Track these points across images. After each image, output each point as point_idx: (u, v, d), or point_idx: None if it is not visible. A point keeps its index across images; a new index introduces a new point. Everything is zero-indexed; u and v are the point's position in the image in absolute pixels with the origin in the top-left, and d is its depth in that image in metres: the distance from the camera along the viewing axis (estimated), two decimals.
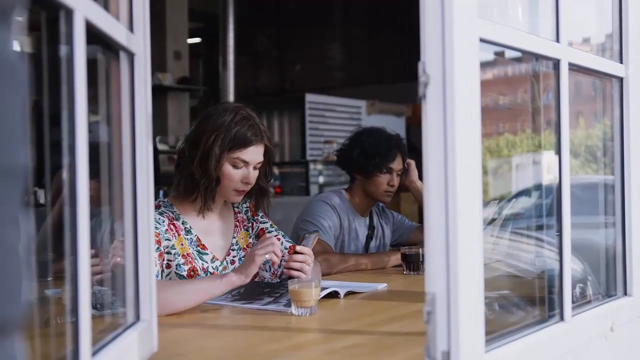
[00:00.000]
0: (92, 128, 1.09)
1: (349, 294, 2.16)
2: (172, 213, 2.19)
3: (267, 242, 1.98)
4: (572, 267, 1.55)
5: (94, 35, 1.11)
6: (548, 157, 1.87)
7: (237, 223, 2.36)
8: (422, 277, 2.53)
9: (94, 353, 1.08)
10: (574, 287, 1.62)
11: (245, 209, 2.40)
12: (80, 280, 1.00)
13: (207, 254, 2.22)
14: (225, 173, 2.17)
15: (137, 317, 1.36)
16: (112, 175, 1.36)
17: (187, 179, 2.18)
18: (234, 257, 2.30)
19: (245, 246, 2.34)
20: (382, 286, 2.32)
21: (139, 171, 1.36)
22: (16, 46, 0.59)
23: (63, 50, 1.01)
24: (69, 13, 0.99)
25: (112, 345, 1.19)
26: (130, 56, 1.34)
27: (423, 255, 2.61)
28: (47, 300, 1.39)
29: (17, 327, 0.58)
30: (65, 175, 1.00)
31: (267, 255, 1.94)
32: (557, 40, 1.50)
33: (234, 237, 2.33)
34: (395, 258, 2.79)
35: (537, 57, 1.54)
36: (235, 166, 2.17)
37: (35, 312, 1.11)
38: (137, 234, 1.36)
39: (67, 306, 1.35)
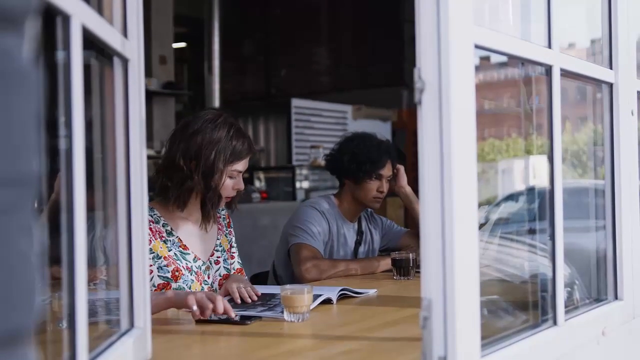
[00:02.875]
0: (85, 133, 1.08)
1: (342, 297, 2.16)
2: (152, 216, 2.21)
3: (209, 300, 1.83)
4: None
5: (88, 41, 1.11)
6: (534, 162, 1.88)
7: (220, 226, 2.44)
8: (412, 282, 2.56)
9: None
10: None
11: (223, 217, 2.48)
12: (77, 287, 0.99)
13: (189, 253, 2.27)
14: (224, 185, 2.26)
15: (132, 325, 1.35)
16: (105, 182, 1.35)
17: (186, 193, 2.23)
18: (218, 257, 2.38)
19: (226, 249, 2.43)
20: (372, 292, 2.32)
21: (133, 177, 1.35)
22: (29, 54, 0.59)
23: (59, 55, 1.01)
24: (66, 19, 0.99)
25: (107, 352, 1.18)
26: (125, 62, 1.33)
27: (413, 260, 2.63)
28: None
29: (30, 335, 0.57)
30: (62, 181, 1.00)
31: (194, 307, 1.80)
32: (549, 46, 1.51)
33: (217, 239, 2.40)
34: (385, 263, 2.80)
35: (530, 63, 1.56)
36: (231, 177, 2.27)
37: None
38: (131, 241, 1.35)
39: (58, 313, 1.35)
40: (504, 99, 2.10)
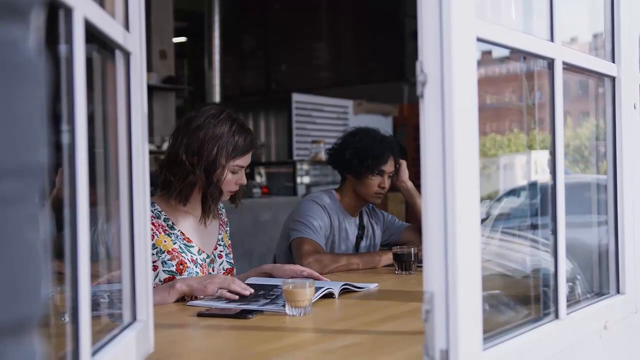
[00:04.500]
0: (87, 127, 1.08)
1: (344, 292, 2.16)
2: (152, 211, 2.22)
3: (228, 281, 2.08)
4: None
5: (90, 34, 1.10)
6: (536, 157, 1.88)
7: (221, 222, 2.47)
8: (414, 276, 2.56)
9: (93, 353, 1.07)
10: None
11: (223, 213, 2.51)
12: (80, 281, 0.99)
13: (193, 246, 2.30)
14: (225, 180, 2.27)
15: (134, 318, 1.35)
16: (108, 176, 1.35)
17: (188, 187, 2.25)
18: (220, 251, 2.41)
19: (227, 245, 2.46)
20: (374, 286, 2.33)
21: (135, 171, 1.35)
22: (35, 44, 0.59)
23: (62, 48, 1.01)
24: (69, 12, 0.99)
25: (110, 345, 1.18)
26: (127, 55, 1.33)
27: (415, 254, 2.63)
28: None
29: (36, 325, 0.58)
30: (65, 175, 1.00)
31: (218, 292, 2.05)
32: (552, 39, 1.51)
33: (219, 234, 2.43)
34: (387, 257, 2.80)
35: (532, 56, 1.55)
36: (233, 172, 2.29)
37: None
38: (134, 234, 1.35)
39: (60, 307, 1.35)
40: (506, 94, 2.10)
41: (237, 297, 2.02)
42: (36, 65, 0.59)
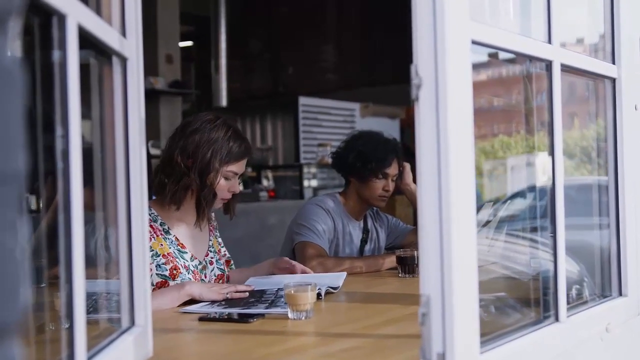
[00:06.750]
0: (84, 133, 1.09)
1: (328, 293, 2.20)
2: (150, 215, 2.23)
3: (232, 287, 2.17)
4: (568, 268, 1.56)
5: (86, 40, 1.11)
6: (542, 159, 1.87)
7: (211, 228, 2.48)
8: (417, 279, 2.54)
9: (90, 358, 1.08)
10: (570, 289, 1.62)
11: (212, 219, 2.53)
12: (75, 286, 1.00)
13: (187, 252, 2.31)
14: (219, 185, 2.29)
15: (132, 322, 1.35)
16: (106, 181, 1.36)
17: (182, 190, 2.26)
18: (211, 258, 2.42)
19: (217, 251, 2.47)
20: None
21: (133, 177, 1.36)
22: (13, 52, 0.59)
23: (56, 55, 1.01)
24: (62, 18, 0.99)
25: (107, 350, 1.18)
26: (123, 61, 1.34)
27: (418, 257, 2.62)
28: (41, 306, 1.38)
29: (15, 331, 0.58)
30: (59, 181, 1.00)
31: (228, 295, 2.11)
32: (549, 41, 1.51)
33: (210, 240, 2.44)
34: (390, 261, 2.80)
35: (530, 58, 1.55)
36: (226, 178, 2.30)
37: (29, 318, 1.11)
38: (132, 239, 1.36)
39: (60, 312, 1.35)
40: (513, 96, 2.09)
41: (247, 294, 2.12)
42: (14, 72, 0.59)
